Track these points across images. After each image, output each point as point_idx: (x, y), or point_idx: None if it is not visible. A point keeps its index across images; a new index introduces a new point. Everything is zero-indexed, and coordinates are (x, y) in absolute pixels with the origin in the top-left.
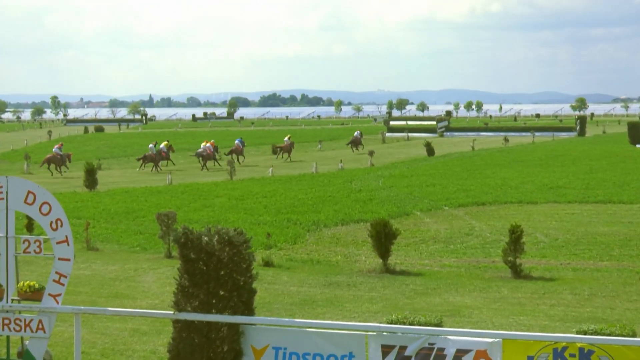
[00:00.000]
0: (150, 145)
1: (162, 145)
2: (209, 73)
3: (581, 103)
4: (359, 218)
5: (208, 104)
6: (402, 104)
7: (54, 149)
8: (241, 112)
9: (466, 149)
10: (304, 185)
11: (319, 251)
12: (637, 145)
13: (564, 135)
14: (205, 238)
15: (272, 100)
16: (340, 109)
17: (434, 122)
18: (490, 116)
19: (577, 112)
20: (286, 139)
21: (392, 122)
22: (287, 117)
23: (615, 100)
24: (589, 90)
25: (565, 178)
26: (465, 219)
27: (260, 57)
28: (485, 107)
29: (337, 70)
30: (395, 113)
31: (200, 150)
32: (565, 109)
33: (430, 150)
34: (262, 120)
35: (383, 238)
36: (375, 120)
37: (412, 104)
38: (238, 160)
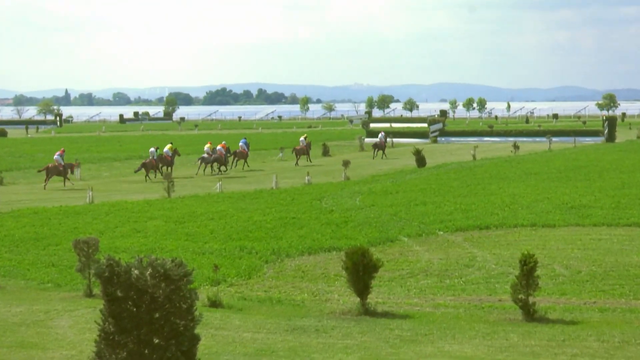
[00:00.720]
0: (152, 150)
1: (165, 149)
2: (141, 63)
3: (610, 100)
4: (331, 246)
5: (140, 101)
6: (385, 101)
7: (55, 157)
8: (182, 111)
9: (466, 158)
10: (261, 204)
11: (280, 288)
12: None
13: (589, 140)
14: (136, 271)
15: (221, 96)
16: (307, 108)
17: (426, 125)
18: (496, 117)
19: (604, 112)
20: (302, 139)
21: (372, 125)
22: (239, 118)
23: None
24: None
25: (590, 195)
26: (464, 246)
27: (206, 43)
28: (489, 105)
29: (303, 59)
30: (377, 113)
31: (206, 154)
32: (590, 108)
33: (420, 160)
34: (209, 122)
35: (361, 271)
36: (351, 122)
37: (397, 101)
38: (219, 169)
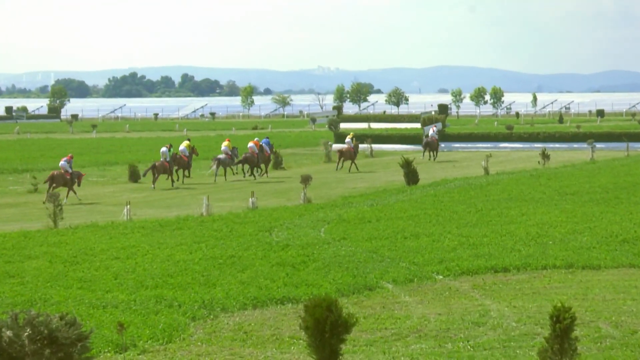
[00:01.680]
0: (163, 149)
1: (181, 147)
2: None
3: None
4: (285, 296)
5: (14, 92)
6: (361, 92)
7: (61, 163)
8: (75, 106)
9: (475, 173)
10: (187, 237)
11: (213, 355)
12: None
13: None
14: (8, 332)
15: (129, 85)
16: (252, 102)
17: (418, 125)
18: (517, 114)
19: None
20: (348, 139)
21: (343, 125)
22: (156, 115)
23: None
24: None
25: None
26: (473, 296)
27: (108, 12)
28: (508, 97)
29: (245, 35)
30: (350, 108)
31: (223, 155)
32: None
33: (411, 175)
34: (112, 121)
35: (327, 331)
36: (313, 121)
37: (378, 92)
38: (253, 173)
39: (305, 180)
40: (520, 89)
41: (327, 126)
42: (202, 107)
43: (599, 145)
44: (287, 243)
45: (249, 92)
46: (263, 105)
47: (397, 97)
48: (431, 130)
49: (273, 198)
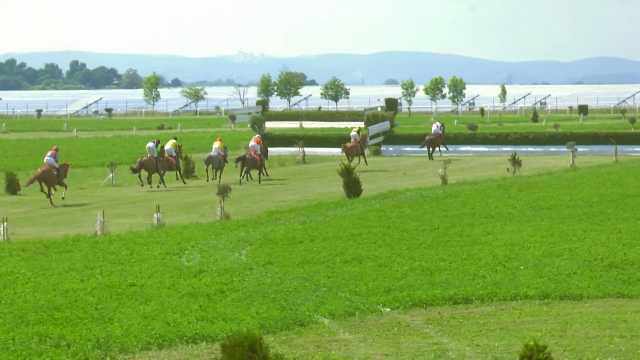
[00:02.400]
0: (150, 144)
1: (167, 146)
2: None
3: None
4: (198, 333)
5: None
6: (291, 83)
7: (46, 158)
8: None
9: (431, 182)
10: (77, 261)
11: None
12: None
13: (639, 152)
14: None
15: (5, 74)
16: (158, 95)
17: (360, 125)
18: (482, 110)
19: None
20: (354, 133)
21: (269, 124)
22: (39, 112)
23: None
24: None
25: (639, 247)
26: (427, 333)
27: None
28: (471, 90)
29: (149, 13)
30: (278, 103)
31: (214, 153)
32: None
33: (352, 185)
34: None
35: None
36: (232, 119)
37: (313, 83)
38: (252, 175)
39: (223, 191)
40: (487, 79)
41: (249, 125)
42: (96, 101)
43: (581, 148)
44: (200, 269)
45: (153, 84)
46: (171, 99)
47: (335, 90)
48: (434, 126)
49: (183, 213)
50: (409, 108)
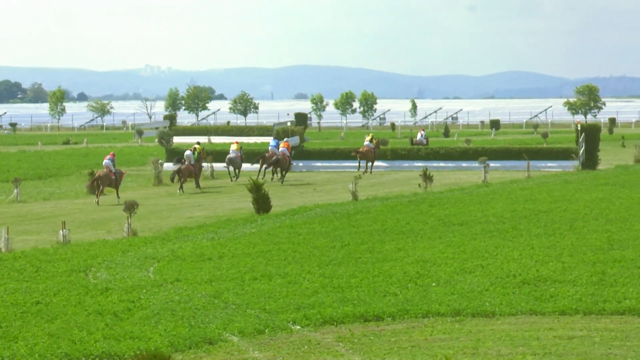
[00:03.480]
0: (188, 153)
1: (187, 152)
2: None
3: (589, 96)
4: (105, 351)
5: None
6: (199, 97)
7: (105, 162)
8: None
9: (342, 198)
10: None
11: None
12: None
13: (552, 167)
14: None
15: None
16: (63, 109)
17: (270, 140)
18: (393, 125)
19: (578, 117)
20: (367, 142)
21: (177, 139)
22: None
23: None
24: (604, 69)
25: (556, 261)
26: (337, 351)
27: None
28: (382, 104)
29: (55, 25)
30: (186, 118)
31: (233, 154)
32: (554, 110)
33: (261, 201)
34: None
35: None
36: (139, 133)
37: (221, 97)
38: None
39: (130, 207)
40: (398, 94)
41: (156, 140)
42: (0, 116)
43: (493, 164)
44: (107, 286)
45: (58, 98)
46: (77, 113)
47: (244, 105)
48: (419, 135)
49: (89, 230)
50: (319, 123)
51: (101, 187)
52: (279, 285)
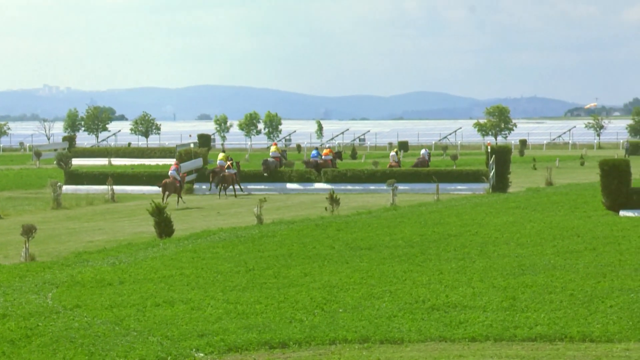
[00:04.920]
0: (221, 162)
1: (219, 161)
2: None
3: (499, 117)
4: None
5: None
6: (99, 118)
7: (170, 172)
8: None
9: (245, 221)
10: None
11: None
12: (621, 213)
13: (462, 189)
14: None
15: None
16: None
17: (173, 162)
18: (299, 146)
19: (488, 139)
20: (393, 153)
21: (76, 161)
22: None
23: (573, 111)
24: (516, 89)
25: (466, 286)
26: None
27: None
28: (287, 125)
29: None
30: (85, 139)
31: (271, 159)
32: (464, 131)
33: (163, 225)
34: None
35: None
36: (37, 155)
37: (122, 118)
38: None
39: (28, 231)
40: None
41: (55, 162)
42: None
43: (401, 186)
44: (3, 313)
45: None
46: None
47: (145, 125)
48: (423, 150)
49: None
50: (222, 144)
51: (167, 193)
52: (182, 312)
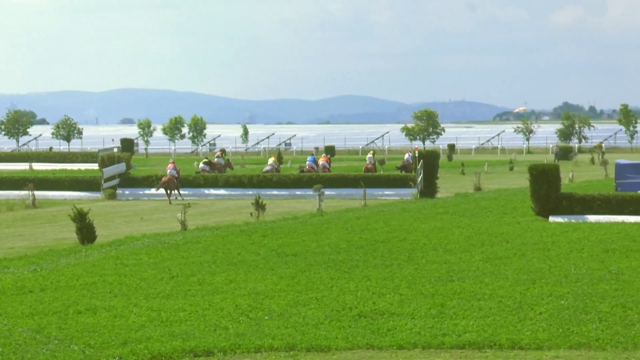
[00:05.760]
0: (217, 159)
1: (217, 159)
2: None
3: (427, 121)
4: None
5: None
6: (19, 122)
7: (169, 171)
8: None
9: (169, 227)
10: None
11: None
12: (551, 219)
13: (390, 194)
14: None
15: None
16: None
17: (95, 167)
18: (223, 151)
19: (416, 143)
20: (370, 155)
21: None
22: None
23: (502, 115)
24: (442, 94)
25: (391, 294)
26: None
27: None
28: (212, 129)
29: None
30: (5, 144)
31: (269, 167)
32: (391, 135)
33: (85, 231)
34: None
35: None
36: None
37: (43, 122)
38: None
39: None
40: (228, 119)
41: None
42: None
43: (328, 192)
44: None
45: None
46: None
47: (67, 130)
48: (407, 154)
49: None
50: (146, 149)
51: (169, 191)
52: (105, 319)
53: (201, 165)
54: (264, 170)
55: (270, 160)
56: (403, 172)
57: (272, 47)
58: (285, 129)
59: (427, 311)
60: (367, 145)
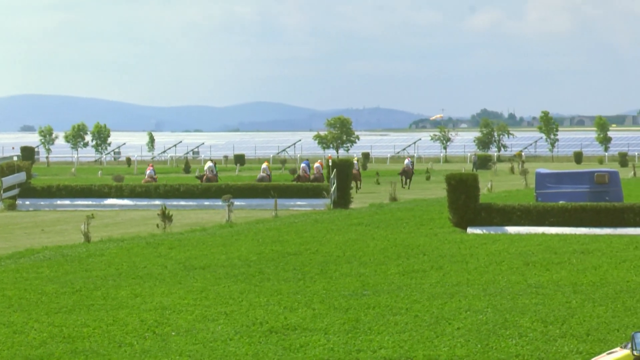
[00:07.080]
0: (210, 165)
1: (209, 164)
2: None
3: (340, 129)
4: None
5: None
6: None
7: (147, 172)
8: None
9: (71, 239)
10: None
11: None
12: (469, 230)
13: (302, 205)
14: None
15: None
16: None
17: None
18: (129, 160)
19: (330, 152)
20: (407, 161)
21: None
22: None
23: (418, 123)
24: (356, 101)
25: (306, 308)
26: None
27: None
28: (117, 137)
29: None
30: None
31: (264, 174)
32: (303, 144)
33: None
34: None
35: None
36: None
37: None
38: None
39: None
40: (134, 126)
41: None
42: None
43: (238, 202)
44: None
45: None
46: None
47: None
48: (407, 160)
49: None
50: (47, 157)
51: None
52: (3, 336)
53: (209, 164)
54: (258, 177)
55: (264, 166)
56: (403, 178)
57: (178, 51)
58: (192, 136)
59: (340, 326)
60: (277, 153)
